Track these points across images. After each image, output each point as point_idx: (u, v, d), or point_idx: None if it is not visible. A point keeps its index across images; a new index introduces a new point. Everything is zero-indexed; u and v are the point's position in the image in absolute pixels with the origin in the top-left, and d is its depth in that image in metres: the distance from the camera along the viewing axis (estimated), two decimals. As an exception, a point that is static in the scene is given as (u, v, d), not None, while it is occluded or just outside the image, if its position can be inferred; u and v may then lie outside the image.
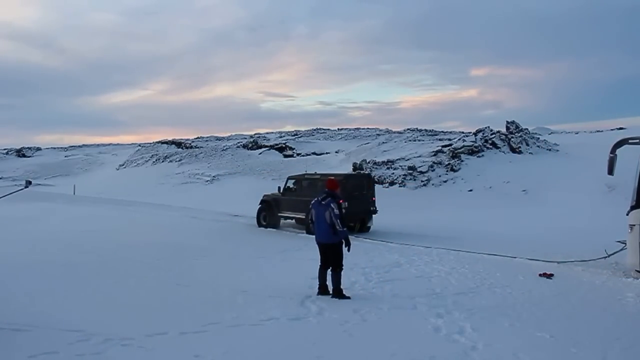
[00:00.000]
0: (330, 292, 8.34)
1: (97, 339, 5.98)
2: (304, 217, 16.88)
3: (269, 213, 18.68)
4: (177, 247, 13.35)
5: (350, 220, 15.77)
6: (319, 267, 8.52)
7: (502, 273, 10.48)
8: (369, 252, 12.46)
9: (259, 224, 18.77)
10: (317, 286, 8.48)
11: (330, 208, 8.28)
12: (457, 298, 8.37)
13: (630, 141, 10.38)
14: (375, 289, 9.04)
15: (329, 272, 8.44)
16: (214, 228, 18.06)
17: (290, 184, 18.64)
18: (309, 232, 16.07)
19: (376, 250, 13.08)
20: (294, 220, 18.08)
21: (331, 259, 8.39)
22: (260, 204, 19.18)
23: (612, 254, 11.08)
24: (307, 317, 7.21)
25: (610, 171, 10.39)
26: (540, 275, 10.25)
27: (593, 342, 6.35)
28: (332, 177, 9.04)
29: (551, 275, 10.19)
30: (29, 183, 6.37)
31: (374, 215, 17.74)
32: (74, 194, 38.05)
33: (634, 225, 9.94)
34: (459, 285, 9.38)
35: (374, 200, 17.70)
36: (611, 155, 10.46)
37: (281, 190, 18.77)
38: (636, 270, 9.92)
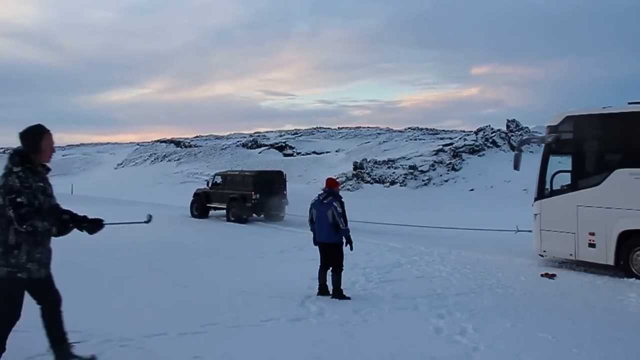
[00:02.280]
0: (330, 292, 8.34)
1: (95, 340, 5.98)
2: (225, 207, 20.46)
3: (200, 204, 21.71)
4: (175, 247, 13.36)
5: (262, 211, 20.06)
6: (318, 267, 8.53)
7: (504, 273, 10.49)
8: (369, 252, 12.46)
9: (192, 214, 21.72)
10: (317, 286, 8.48)
11: (333, 207, 8.26)
12: (458, 298, 8.37)
13: (532, 140, 12.46)
14: (376, 289, 9.05)
15: (329, 272, 8.45)
16: (213, 228, 18.08)
17: (217, 179, 21.88)
18: (229, 221, 19.94)
19: (377, 250, 13.08)
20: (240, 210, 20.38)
21: (332, 259, 8.38)
22: (193, 197, 22.24)
23: (521, 231, 13.21)
24: (307, 318, 7.21)
25: (516, 166, 11.58)
26: (542, 275, 10.26)
27: (595, 343, 6.35)
28: (331, 177, 9.04)
29: (553, 275, 10.20)
30: (150, 218, 6.56)
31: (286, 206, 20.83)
32: (72, 193, 38.07)
33: (537, 214, 11.48)
34: (460, 286, 9.38)
35: (285, 194, 20.87)
36: (516, 152, 11.84)
37: (209, 185, 21.99)
38: (539, 254, 11.57)
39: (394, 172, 43.14)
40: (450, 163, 42.59)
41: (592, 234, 10.45)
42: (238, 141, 66.84)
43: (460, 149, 44.32)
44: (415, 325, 6.94)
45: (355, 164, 45.82)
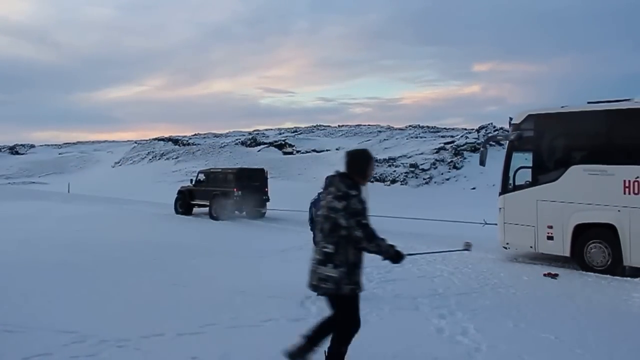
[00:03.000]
0: None
1: (92, 341, 5.97)
2: (209, 204, 21.10)
3: (183, 202, 22.54)
4: (174, 247, 13.35)
5: (244, 207, 20.75)
6: None
7: (506, 273, 10.48)
8: (370, 252, 12.43)
9: (176, 212, 22.47)
10: None
11: None
12: (460, 298, 8.36)
13: (498, 137, 13.41)
14: (376, 289, 9.03)
15: None
16: (211, 227, 18.08)
17: (201, 177, 22.63)
18: (212, 218, 20.62)
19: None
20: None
21: None
22: (177, 194, 23.12)
23: (488, 224, 13.91)
24: (307, 318, 7.18)
25: (482, 162, 12.64)
26: (544, 275, 10.25)
27: (599, 344, 6.34)
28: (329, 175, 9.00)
29: (556, 275, 10.19)
30: (469, 245, 6.64)
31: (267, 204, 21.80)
32: (69, 192, 38.05)
33: (501, 208, 12.17)
34: (462, 286, 9.38)
35: (267, 191, 21.67)
36: (482, 149, 12.73)
37: (193, 183, 22.73)
38: (503, 247, 12.22)
39: (394, 171, 43.12)
40: (451, 161, 42.58)
41: (550, 227, 11.10)
42: (237, 139, 66.77)
43: (462, 147, 44.30)
44: (417, 325, 6.93)
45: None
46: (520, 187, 11.84)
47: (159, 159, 60.87)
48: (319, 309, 7.56)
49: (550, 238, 11.15)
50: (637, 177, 9.95)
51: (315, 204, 8.54)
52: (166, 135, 73.34)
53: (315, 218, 8.56)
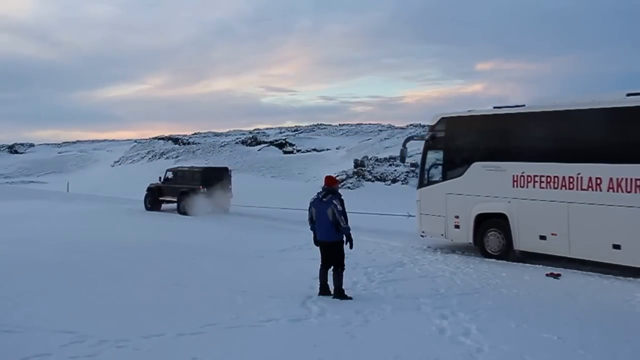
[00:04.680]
0: (332, 292, 8.32)
1: (92, 341, 5.97)
2: (176, 200, 22.48)
3: (152, 198, 23.70)
4: (173, 246, 13.34)
5: (209, 204, 21.39)
6: (319, 266, 8.51)
7: (508, 273, 10.46)
8: (371, 252, 12.44)
9: (145, 207, 23.63)
10: (318, 286, 8.46)
11: (333, 205, 8.23)
12: (462, 298, 8.36)
13: (415, 137, 14.78)
14: (377, 289, 9.03)
15: (330, 271, 8.43)
16: (211, 226, 18.05)
17: (169, 175, 23.94)
18: (180, 213, 21.79)
19: (378, 249, 13.05)
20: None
21: (333, 259, 8.36)
22: (146, 191, 24.20)
23: (411, 216, 15.18)
24: (308, 318, 7.20)
25: (402, 160, 14.31)
26: (547, 275, 10.24)
27: (602, 344, 6.34)
28: (330, 174, 9.00)
29: (558, 275, 10.18)
30: None
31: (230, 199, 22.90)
32: (68, 191, 38.05)
33: (418, 200, 13.67)
34: (463, 286, 9.37)
35: (231, 188, 23.14)
36: (402, 148, 14.15)
37: (162, 180, 24.00)
38: (420, 235, 13.62)
39: (395, 170, 43.13)
40: (453, 160, 42.54)
41: (457, 217, 12.60)
42: (237, 138, 66.79)
43: (464, 146, 44.19)
44: (418, 325, 6.93)
45: (356, 161, 45.79)
46: (433, 182, 13.35)
47: (159, 158, 60.87)
48: (320, 309, 7.57)
49: (457, 227, 12.65)
50: (523, 172, 11.42)
51: (315, 203, 8.52)
52: (166, 134, 73.41)
53: (314, 218, 8.51)
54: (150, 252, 12.33)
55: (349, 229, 8.31)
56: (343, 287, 8.32)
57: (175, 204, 22.61)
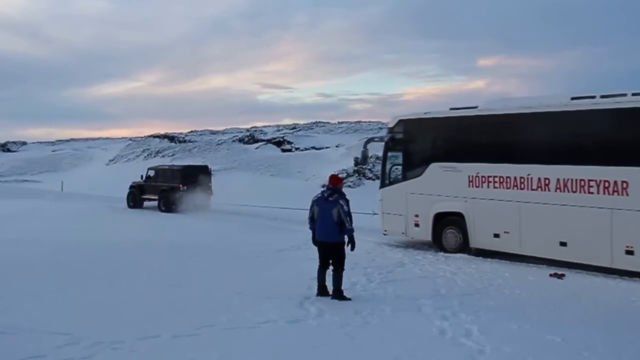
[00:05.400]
0: (330, 292, 8.32)
1: (86, 342, 5.97)
2: (157, 198, 23.55)
3: (135, 196, 24.59)
4: (169, 246, 13.34)
5: (189, 202, 22.49)
6: (317, 267, 8.51)
7: (511, 273, 10.48)
8: (370, 252, 12.44)
9: (128, 205, 24.51)
10: (316, 287, 8.47)
11: (340, 205, 8.23)
12: (463, 299, 8.36)
13: (375, 139, 15.34)
14: (377, 290, 9.03)
15: (328, 272, 8.43)
16: (207, 226, 18.06)
17: (150, 173, 24.81)
18: (161, 210, 22.79)
19: (378, 249, 13.07)
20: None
21: (333, 259, 8.36)
22: (129, 189, 25.09)
23: (376, 214, 15.42)
24: (306, 320, 7.20)
25: (363, 162, 15.39)
26: (550, 275, 10.25)
27: (606, 346, 6.35)
28: (334, 173, 9.01)
29: (562, 275, 10.19)
30: None
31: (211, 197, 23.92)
32: (62, 190, 38.01)
33: (380, 200, 14.31)
34: (465, 286, 9.37)
35: (211, 186, 24.06)
36: (363, 149, 14.68)
37: (143, 178, 24.78)
38: (383, 233, 14.21)
39: (396, 168, 43.00)
40: (454, 159, 42.52)
41: (417, 216, 13.33)
42: (234, 136, 66.65)
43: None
44: (419, 327, 6.93)
45: (355, 159, 45.73)
46: (394, 182, 14.05)
47: (155, 156, 60.73)
48: (319, 310, 7.57)
49: (417, 225, 13.38)
50: (478, 173, 12.08)
51: (318, 202, 8.43)
52: (162, 132, 73.19)
53: (316, 217, 8.45)
54: (145, 251, 12.33)
55: (353, 230, 8.31)
56: (342, 288, 8.33)
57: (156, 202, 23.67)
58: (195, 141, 65.59)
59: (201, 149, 60.10)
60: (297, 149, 59.41)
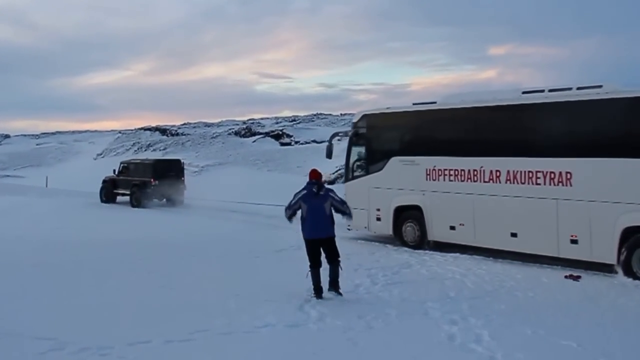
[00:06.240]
0: (327, 289, 8.51)
1: (72, 348, 5.98)
2: (129, 192, 24.48)
3: (107, 191, 25.72)
4: (161, 246, 13.36)
5: (161, 196, 24.13)
6: (310, 269, 8.60)
7: (524, 275, 10.47)
8: (374, 252, 12.45)
9: (101, 200, 25.60)
10: (313, 290, 8.54)
11: (331, 197, 8.72)
12: (473, 302, 8.36)
13: (340, 134, 16.88)
14: (382, 292, 9.04)
15: (322, 269, 8.63)
16: (202, 224, 18.08)
17: (122, 167, 25.93)
18: (133, 206, 23.83)
19: (383, 249, 13.07)
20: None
21: (330, 253, 8.62)
22: (102, 183, 26.31)
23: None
24: (306, 324, 7.21)
25: (328, 156, 15.43)
26: (566, 277, 10.24)
27: (625, 352, 6.35)
28: (315, 168, 9.26)
29: (578, 277, 10.18)
30: None
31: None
32: (47, 186, 38.07)
33: (345, 194, 13.96)
34: (475, 289, 9.37)
35: (183, 180, 25.09)
36: (328, 144, 15.62)
37: (116, 173, 25.94)
38: (347, 228, 14.06)
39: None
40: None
41: (379, 210, 14.06)
42: (230, 129, 66.66)
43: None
44: (426, 332, 6.93)
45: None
46: (357, 177, 14.81)
47: (145, 150, 60.80)
48: (320, 314, 7.58)
49: (378, 219, 14.11)
50: (435, 166, 12.90)
51: (307, 199, 8.67)
52: (153, 124, 73.27)
53: (304, 215, 8.70)
54: (135, 251, 12.35)
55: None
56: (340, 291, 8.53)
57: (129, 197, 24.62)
58: (188, 134, 65.65)
59: (195, 143, 60.18)
60: (296, 142, 59.44)
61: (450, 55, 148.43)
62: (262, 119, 76.45)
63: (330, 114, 79.17)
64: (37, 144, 77.09)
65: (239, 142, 59.77)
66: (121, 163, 26.73)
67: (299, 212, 8.86)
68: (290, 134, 62.58)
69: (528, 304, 8.50)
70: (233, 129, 66.60)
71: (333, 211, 8.78)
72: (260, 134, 62.97)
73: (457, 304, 8.29)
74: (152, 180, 23.96)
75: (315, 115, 78.94)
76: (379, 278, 9.97)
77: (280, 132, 62.96)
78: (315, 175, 8.92)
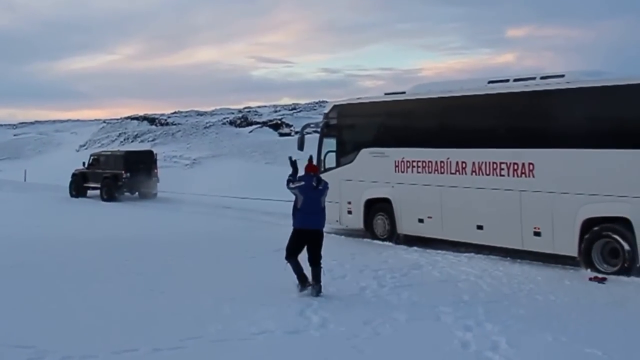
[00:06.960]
0: (309, 281, 8.80)
1: (53, 357, 5.98)
2: (99, 186, 25.50)
3: (77, 184, 26.57)
4: (150, 245, 13.38)
5: (133, 189, 25.35)
6: (288, 258, 8.95)
7: (544, 277, 10.48)
8: (382, 252, 12.46)
9: (71, 195, 26.38)
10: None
11: (326, 193, 9.27)
12: (489, 307, 8.37)
13: (311, 125, 17.73)
14: (390, 295, 9.05)
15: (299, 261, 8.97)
16: (195, 221, 18.10)
17: (92, 160, 26.88)
18: (103, 199, 24.86)
19: (391, 249, 13.07)
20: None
21: (315, 250, 8.92)
22: (71, 177, 27.08)
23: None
24: (307, 330, 7.21)
25: (300, 147, 15.83)
26: (590, 279, 10.24)
27: (655, 361, 6.34)
28: (310, 160, 9.83)
29: (604, 279, 10.18)
30: None
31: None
32: (25, 180, 38.14)
33: None
34: (491, 292, 9.38)
35: (156, 172, 26.00)
36: (300, 135, 16.57)
37: (86, 165, 26.81)
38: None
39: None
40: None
41: (350, 203, 14.84)
42: (225, 118, 66.55)
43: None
44: (438, 338, 6.93)
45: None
46: (329, 169, 15.22)
47: (132, 141, 60.81)
48: (322, 319, 7.58)
49: (350, 212, 14.92)
50: (403, 158, 13.62)
51: (306, 191, 9.00)
52: (141, 113, 73.13)
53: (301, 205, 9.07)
54: (121, 250, 12.37)
55: None
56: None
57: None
58: (179, 124, 65.57)
59: (186, 133, 60.12)
60: (297, 132, 59.40)
61: (465, 37, 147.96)
62: (259, 107, 76.33)
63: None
64: (14, 135, 77.11)
65: (234, 132, 59.67)
66: (91, 155, 27.70)
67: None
68: (290, 123, 62.42)
69: (549, 309, 8.50)
70: (228, 118, 66.50)
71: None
72: (258, 123, 62.86)
73: (471, 308, 8.29)
74: (123, 172, 24.75)
75: (317, 103, 78.60)
76: (387, 280, 9.98)
77: (279, 122, 62.84)
78: (313, 168, 9.49)
